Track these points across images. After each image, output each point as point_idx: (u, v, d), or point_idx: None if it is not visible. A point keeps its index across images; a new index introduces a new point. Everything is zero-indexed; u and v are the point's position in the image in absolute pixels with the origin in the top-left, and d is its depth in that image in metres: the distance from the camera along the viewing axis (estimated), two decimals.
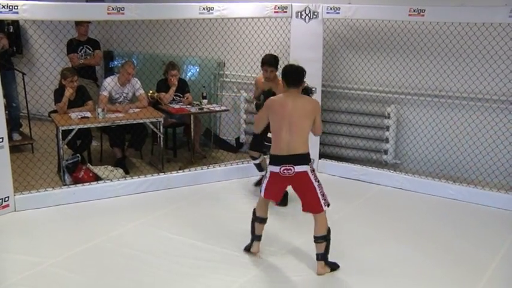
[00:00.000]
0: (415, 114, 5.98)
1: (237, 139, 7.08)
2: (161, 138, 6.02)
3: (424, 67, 5.80)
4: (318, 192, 3.79)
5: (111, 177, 5.55)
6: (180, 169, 5.94)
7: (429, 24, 5.57)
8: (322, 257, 3.87)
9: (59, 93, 5.84)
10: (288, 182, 3.89)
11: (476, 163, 5.61)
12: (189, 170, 5.87)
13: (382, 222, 4.85)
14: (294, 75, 3.89)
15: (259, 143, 5.33)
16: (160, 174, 5.72)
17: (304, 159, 3.77)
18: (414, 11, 5.25)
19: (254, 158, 5.46)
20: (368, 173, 5.91)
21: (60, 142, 5.47)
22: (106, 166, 5.80)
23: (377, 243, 4.41)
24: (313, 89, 4.46)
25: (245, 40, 6.38)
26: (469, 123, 5.63)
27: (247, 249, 4.16)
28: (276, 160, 3.80)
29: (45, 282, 3.73)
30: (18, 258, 4.06)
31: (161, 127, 5.93)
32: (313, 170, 3.82)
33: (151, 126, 5.97)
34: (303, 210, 3.89)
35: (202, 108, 6.34)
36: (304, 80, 3.96)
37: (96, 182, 5.44)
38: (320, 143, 6.24)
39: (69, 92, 5.77)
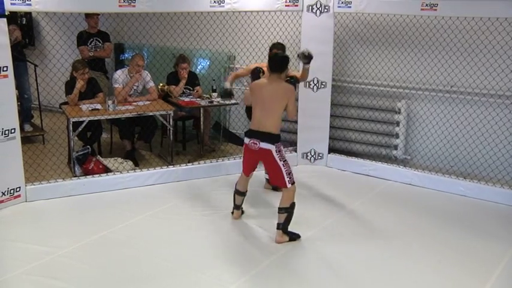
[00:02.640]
0: (426, 110, 5.94)
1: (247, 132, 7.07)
2: (171, 131, 6.03)
3: (436, 62, 5.75)
4: (283, 170, 4.17)
5: (120, 169, 5.58)
6: (189, 162, 5.96)
7: (441, 18, 5.52)
8: (282, 226, 4.24)
9: (70, 85, 5.88)
10: (255, 156, 4.31)
11: (487, 159, 5.57)
12: (198, 163, 5.89)
13: (390, 218, 4.83)
14: (275, 63, 4.27)
15: None
16: (170, 166, 5.73)
17: (271, 138, 4.17)
18: (427, 5, 5.21)
19: None
20: (377, 168, 5.89)
21: (71, 134, 5.51)
22: (116, 158, 5.83)
23: (385, 239, 4.39)
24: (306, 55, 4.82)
25: (256, 33, 6.36)
26: (480, 119, 5.58)
27: (232, 212, 4.72)
28: (248, 133, 4.30)
29: (54, 272, 3.76)
30: (28, 248, 4.10)
31: (171, 120, 5.95)
32: (279, 151, 4.18)
33: (161, 119, 5.98)
34: (270, 182, 4.77)
35: (212, 102, 6.34)
36: (308, 63, 4.60)
37: (105, 174, 5.47)
38: (330, 138, 6.23)
39: (80, 84, 5.80)
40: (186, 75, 6.40)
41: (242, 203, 4.68)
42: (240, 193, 4.62)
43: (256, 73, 4.80)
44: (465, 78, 5.59)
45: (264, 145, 4.17)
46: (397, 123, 6.08)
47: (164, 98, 6.39)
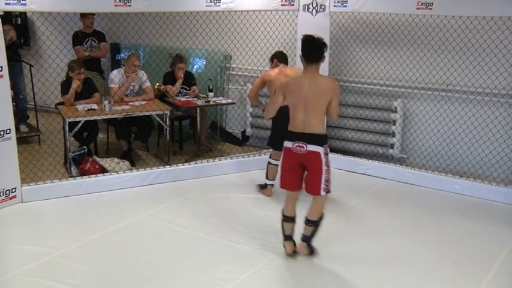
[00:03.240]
0: (422, 109, 5.95)
1: (243, 132, 7.08)
2: (167, 131, 6.03)
3: (432, 61, 5.77)
4: (323, 176, 3.73)
5: (117, 169, 5.57)
6: (186, 162, 5.95)
7: (437, 17, 5.53)
8: (307, 239, 3.92)
9: (65, 85, 5.86)
10: (298, 161, 3.76)
11: (483, 158, 5.59)
12: (195, 163, 5.88)
13: (387, 216, 4.84)
14: (315, 50, 3.67)
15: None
16: (166, 166, 5.73)
17: (319, 139, 3.70)
18: (422, 4, 5.22)
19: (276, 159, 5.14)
20: (374, 167, 5.90)
21: (67, 134, 5.49)
22: (112, 158, 5.82)
23: (381, 237, 4.40)
24: None
25: (252, 33, 6.36)
26: (476, 118, 5.60)
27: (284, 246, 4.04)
28: (290, 136, 3.75)
29: (52, 273, 3.75)
30: (25, 249, 4.09)
31: (167, 120, 5.94)
32: (326, 154, 3.72)
33: (158, 119, 5.97)
34: (306, 190, 3.85)
35: (208, 101, 6.33)
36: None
37: (102, 174, 5.45)
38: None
39: (76, 84, 5.79)
40: (183, 75, 6.39)
41: (293, 232, 3.97)
42: (288, 219, 3.92)
43: None
44: (461, 77, 5.61)
45: (312, 147, 3.68)
46: (394, 122, 6.09)
47: (160, 98, 6.38)
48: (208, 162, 5.90)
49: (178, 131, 6.73)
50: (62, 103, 5.96)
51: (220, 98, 6.69)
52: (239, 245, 4.20)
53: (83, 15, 6.53)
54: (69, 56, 6.39)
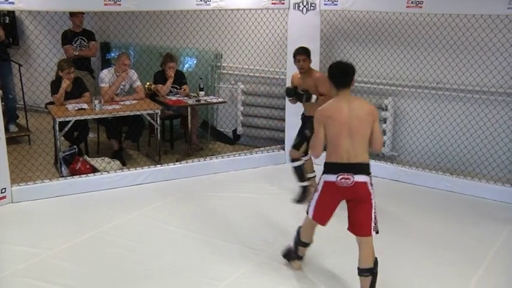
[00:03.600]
0: (413, 107, 5.98)
1: (234, 131, 7.07)
2: (158, 130, 6.01)
3: (422, 59, 5.79)
4: (372, 212, 3.35)
5: (108, 169, 5.55)
6: (177, 161, 5.94)
7: (427, 16, 5.55)
8: None
9: (55, 85, 5.82)
10: (343, 195, 3.38)
11: (473, 155, 5.62)
12: (186, 162, 5.87)
13: (378, 214, 4.82)
14: (344, 74, 3.41)
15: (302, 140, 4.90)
16: (158, 166, 5.71)
17: (365, 169, 3.33)
18: (412, 2, 5.23)
19: (295, 160, 5.04)
20: None
21: (57, 134, 5.46)
22: (103, 158, 5.80)
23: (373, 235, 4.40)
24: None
25: (242, 32, 6.36)
26: (466, 116, 5.64)
27: (287, 258, 3.90)
28: (332, 168, 3.33)
29: (43, 273, 3.73)
30: (16, 249, 4.06)
31: (158, 119, 5.92)
32: (371, 184, 3.35)
33: (149, 118, 5.95)
34: (351, 231, 3.43)
35: (199, 100, 6.32)
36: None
37: (93, 174, 5.43)
38: None
39: (66, 84, 5.76)
40: (173, 74, 6.38)
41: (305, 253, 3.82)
42: (306, 245, 3.74)
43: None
44: (451, 75, 5.64)
45: (359, 178, 3.28)
46: (384, 120, 6.12)
47: (151, 97, 6.36)
48: (199, 161, 5.89)
49: (169, 130, 6.71)
50: (51, 103, 5.92)
51: (211, 97, 6.68)
52: (231, 244, 4.20)
53: (72, 14, 6.48)
54: (59, 56, 6.35)
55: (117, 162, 5.80)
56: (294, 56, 4.90)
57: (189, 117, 6.32)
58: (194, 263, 3.91)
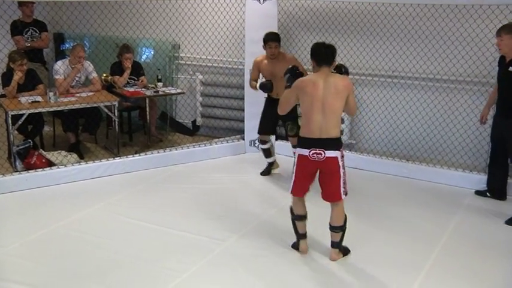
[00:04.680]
0: (369, 95, 6.08)
1: (194, 122, 7.04)
2: (116, 122, 5.92)
3: (377, 48, 5.89)
4: (341, 180, 3.65)
5: (65, 163, 5.43)
6: (136, 153, 5.87)
7: (381, 5, 5.64)
8: (337, 245, 3.82)
9: (6, 77, 5.66)
10: (316, 167, 3.66)
11: (427, 141, 5.78)
12: (146, 154, 5.81)
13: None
14: (325, 53, 3.64)
15: (270, 125, 5.31)
16: (116, 158, 5.63)
17: (336, 144, 3.61)
18: None
19: (264, 142, 5.42)
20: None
21: (10, 127, 5.30)
22: (59, 151, 5.68)
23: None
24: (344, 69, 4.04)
25: (200, 22, 6.32)
26: (421, 103, 5.78)
27: (295, 247, 3.97)
28: (305, 143, 3.61)
29: None
30: None
31: (116, 111, 5.83)
32: (342, 156, 3.64)
33: (106, 110, 5.85)
34: (323, 198, 3.77)
35: (157, 91, 6.26)
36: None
37: (49, 168, 5.31)
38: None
39: (18, 76, 5.59)
40: (130, 65, 6.28)
41: (306, 230, 3.91)
42: (302, 218, 3.86)
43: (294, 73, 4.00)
44: (405, 63, 5.75)
45: (330, 153, 3.56)
46: None
47: (108, 89, 6.25)
48: (158, 152, 5.84)
49: (127, 122, 6.63)
50: (3, 95, 5.74)
51: (170, 87, 6.63)
52: (192, 235, 4.19)
53: (22, 4, 6.27)
54: (9, 47, 6.15)
55: (75, 156, 5.69)
56: (265, 42, 5.02)
57: (148, 109, 6.25)
58: (155, 255, 3.88)
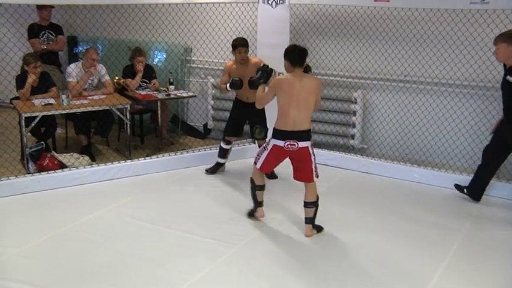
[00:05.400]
0: (381, 99, 6.06)
1: (205, 125, 7.05)
2: (128, 125, 5.95)
3: (390, 52, 5.87)
4: (313, 165, 4.15)
5: (76, 165, 5.47)
6: (147, 156, 5.89)
7: (394, 9, 5.62)
8: (311, 221, 4.24)
9: (21, 79, 5.70)
10: (287, 155, 4.19)
11: (440, 147, 5.74)
12: (157, 157, 5.82)
13: (349, 207, 4.91)
14: (299, 55, 4.09)
15: (238, 127, 5.47)
16: (128, 161, 5.65)
17: (307, 135, 4.11)
18: None
19: (228, 143, 5.54)
20: (335, 157, 5.97)
21: (23, 129, 5.35)
22: (72, 153, 5.71)
23: (344, 227, 4.46)
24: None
25: (212, 25, 6.33)
26: (433, 108, 5.75)
27: (251, 214, 4.53)
28: (280, 135, 4.08)
29: (8, 272, 3.65)
30: None
31: (128, 113, 5.86)
32: (311, 145, 4.15)
33: (118, 113, 5.88)
34: (294, 178, 4.29)
35: (169, 95, 6.28)
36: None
37: (61, 170, 5.34)
38: None
39: (32, 78, 5.64)
40: (143, 68, 6.31)
41: (263, 198, 4.50)
42: (262, 188, 4.44)
43: (265, 71, 4.37)
44: (418, 68, 5.73)
45: (302, 144, 4.08)
46: (354, 113, 6.18)
47: (120, 92, 6.28)
48: (170, 155, 5.86)
49: (139, 125, 6.65)
50: (17, 98, 5.80)
51: (181, 91, 6.64)
52: (202, 239, 4.19)
53: (40, 7, 6.36)
54: (24, 49, 6.21)
55: (86, 158, 5.72)
56: (235, 48, 5.22)
57: (159, 112, 6.26)
58: (165, 258, 3.88)
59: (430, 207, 4.90)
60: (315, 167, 4.17)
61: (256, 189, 4.43)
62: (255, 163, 4.35)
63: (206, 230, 4.32)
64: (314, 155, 4.16)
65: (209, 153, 6.00)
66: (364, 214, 4.74)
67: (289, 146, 4.06)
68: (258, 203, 4.48)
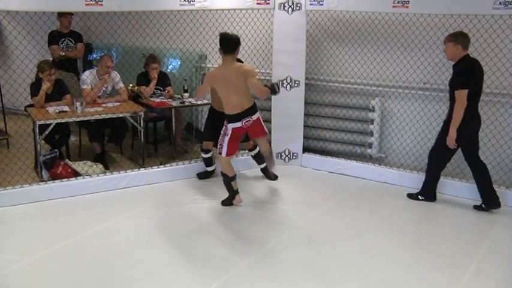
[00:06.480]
0: (400, 107, 5.94)
1: None
2: (141, 133, 5.89)
3: (409, 59, 5.76)
4: (262, 125, 4.79)
5: (90, 173, 5.41)
6: (161, 164, 5.82)
7: (413, 16, 5.52)
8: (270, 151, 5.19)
9: (35, 87, 5.67)
10: (245, 131, 4.77)
11: (460, 156, 5.58)
12: (171, 165, 5.76)
13: (366, 216, 4.81)
14: (232, 44, 4.54)
15: (215, 134, 5.10)
16: (141, 169, 5.59)
17: (255, 108, 4.68)
18: (398, 2, 5.20)
19: (207, 151, 5.56)
20: (352, 167, 5.87)
21: (37, 137, 5.31)
22: (85, 161, 5.66)
23: (361, 238, 4.36)
24: (278, 85, 4.66)
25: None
26: None
27: (228, 204, 4.92)
28: (235, 118, 4.62)
29: (23, 280, 3.60)
30: None
31: (141, 121, 5.80)
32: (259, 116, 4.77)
33: (132, 121, 5.83)
34: (251, 138, 5.19)
35: (183, 102, 6.21)
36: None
37: (75, 178, 5.29)
38: (304, 137, 6.19)
39: (46, 86, 5.61)
40: (157, 76, 6.26)
41: (237, 186, 4.92)
42: (234, 178, 4.86)
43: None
44: (438, 75, 5.61)
45: (255, 116, 4.66)
46: (371, 121, 6.07)
47: (134, 99, 6.23)
48: (184, 164, 5.79)
49: (152, 132, 6.60)
50: (31, 105, 5.77)
51: (196, 98, 6.57)
52: (216, 248, 4.11)
53: (61, 15, 6.38)
54: (39, 57, 6.20)
55: (100, 166, 5.67)
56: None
57: (173, 120, 6.20)
58: (179, 268, 3.81)
59: (451, 219, 4.78)
60: (264, 125, 4.79)
61: (231, 180, 4.84)
62: (220, 153, 4.76)
63: (221, 240, 4.24)
64: (261, 117, 4.74)
65: None
66: (381, 224, 4.63)
67: (246, 123, 4.64)
68: (235, 191, 4.89)
